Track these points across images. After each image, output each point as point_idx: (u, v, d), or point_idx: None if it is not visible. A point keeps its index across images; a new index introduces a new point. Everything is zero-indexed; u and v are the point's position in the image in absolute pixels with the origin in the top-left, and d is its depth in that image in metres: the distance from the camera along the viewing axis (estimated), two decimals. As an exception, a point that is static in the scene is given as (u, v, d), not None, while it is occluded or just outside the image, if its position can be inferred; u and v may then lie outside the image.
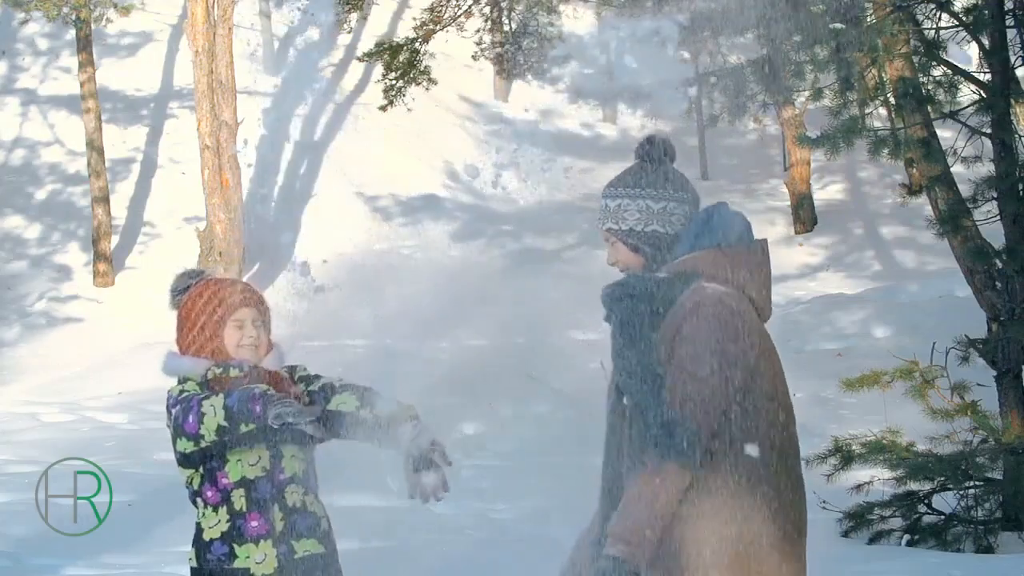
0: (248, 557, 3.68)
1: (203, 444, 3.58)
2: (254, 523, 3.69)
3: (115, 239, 19.35)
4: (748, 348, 3.33)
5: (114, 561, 7.65)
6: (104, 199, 18.85)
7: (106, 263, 18.78)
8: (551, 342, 15.23)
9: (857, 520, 8.55)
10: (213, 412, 3.55)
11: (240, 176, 18.13)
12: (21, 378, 15.49)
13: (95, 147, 18.89)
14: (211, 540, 3.70)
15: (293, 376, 3.83)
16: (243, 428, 3.53)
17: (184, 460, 3.68)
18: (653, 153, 3.52)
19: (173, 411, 3.64)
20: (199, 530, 3.74)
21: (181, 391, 3.68)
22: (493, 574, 7.35)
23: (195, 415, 3.56)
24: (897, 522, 8.61)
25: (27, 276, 18.91)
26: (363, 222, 20.33)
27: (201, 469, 3.70)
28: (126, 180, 20.87)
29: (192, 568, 3.78)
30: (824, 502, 8.35)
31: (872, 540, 8.53)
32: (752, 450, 3.32)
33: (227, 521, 3.68)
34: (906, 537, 8.55)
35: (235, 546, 3.68)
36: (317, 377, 3.84)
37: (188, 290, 3.83)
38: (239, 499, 3.68)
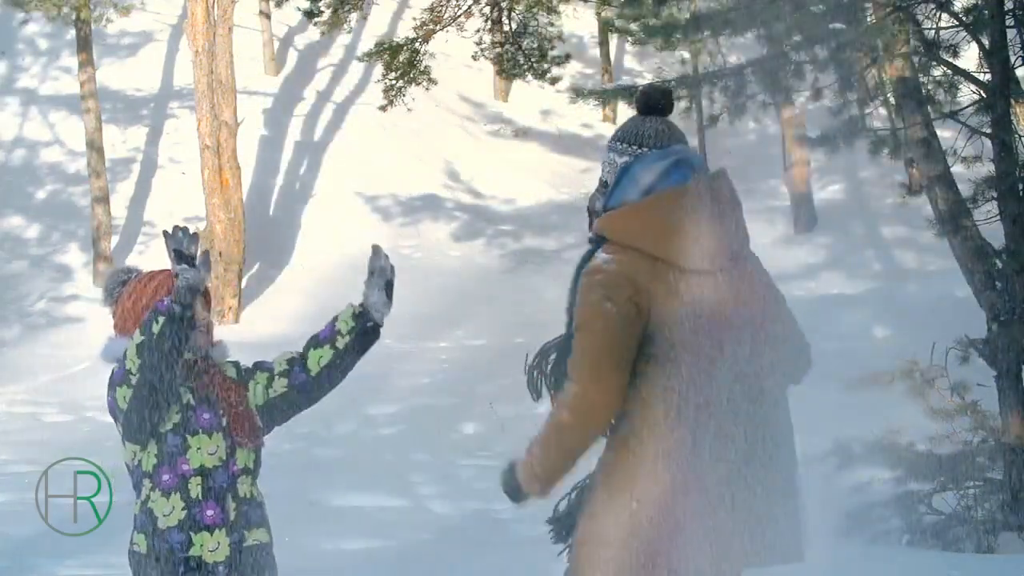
0: (202, 545, 3.73)
1: (132, 378, 3.61)
2: (210, 512, 3.74)
3: (115, 239, 19.34)
4: (621, 303, 3.27)
5: (114, 561, 7.63)
6: (104, 199, 18.84)
7: (106, 263, 18.76)
8: (551, 342, 15.22)
9: (857, 520, 8.54)
10: (132, 340, 3.63)
11: (240, 176, 18.13)
12: (21, 378, 15.48)
13: (95, 147, 18.89)
14: (168, 528, 3.74)
15: (240, 369, 3.92)
16: (155, 327, 3.56)
17: (128, 429, 3.71)
18: (639, 106, 3.45)
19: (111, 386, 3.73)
20: (151, 517, 3.76)
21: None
22: (493, 574, 7.35)
23: (121, 360, 3.66)
24: (897, 522, 8.61)
25: (27, 276, 18.90)
26: (363, 222, 20.32)
27: (150, 447, 3.74)
28: (126, 180, 20.86)
29: (138, 553, 3.79)
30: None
31: (872, 540, 8.52)
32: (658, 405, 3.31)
33: (183, 509, 3.73)
34: (906, 537, 8.54)
35: (192, 534, 3.73)
36: (263, 361, 3.92)
37: (125, 284, 3.90)
38: (196, 487, 3.74)
